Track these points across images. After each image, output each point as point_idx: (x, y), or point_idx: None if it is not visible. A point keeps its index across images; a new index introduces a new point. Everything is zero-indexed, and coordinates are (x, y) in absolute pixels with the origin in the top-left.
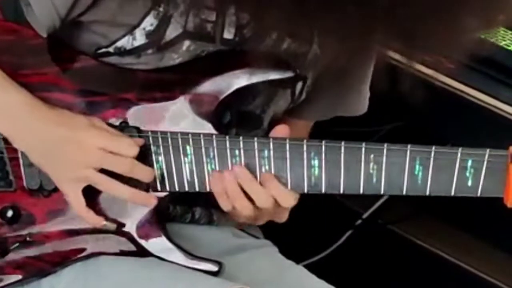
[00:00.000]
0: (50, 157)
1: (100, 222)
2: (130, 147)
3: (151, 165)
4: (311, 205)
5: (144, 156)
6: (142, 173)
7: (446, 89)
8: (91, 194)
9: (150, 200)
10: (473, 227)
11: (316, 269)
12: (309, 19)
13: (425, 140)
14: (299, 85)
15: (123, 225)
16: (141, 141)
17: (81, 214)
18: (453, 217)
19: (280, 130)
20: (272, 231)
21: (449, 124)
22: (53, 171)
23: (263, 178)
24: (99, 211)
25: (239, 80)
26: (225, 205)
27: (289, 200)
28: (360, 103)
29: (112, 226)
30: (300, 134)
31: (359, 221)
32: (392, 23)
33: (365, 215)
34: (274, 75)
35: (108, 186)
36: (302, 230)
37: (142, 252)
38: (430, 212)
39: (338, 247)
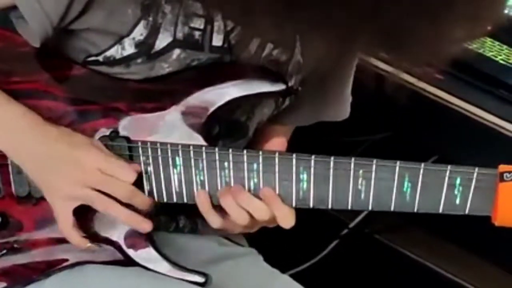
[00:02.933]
0: (45, 172)
1: (84, 244)
2: (128, 172)
3: (140, 176)
4: (298, 214)
5: None
6: (141, 201)
7: (433, 100)
8: (81, 212)
9: (145, 225)
10: (459, 238)
11: (302, 279)
12: (295, 22)
13: (411, 151)
14: None
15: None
16: (138, 167)
17: (66, 234)
18: (439, 228)
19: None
20: (257, 240)
21: (436, 134)
22: (47, 187)
23: (264, 194)
24: (85, 228)
25: (230, 92)
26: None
27: (289, 220)
28: (342, 108)
29: (97, 248)
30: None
31: (346, 231)
32: (378, 28)
33: (351, 225)
34: (266, 88)
35: (105, 207)
36: (288, 239)
37: (129, 262)
38: (416, 222)
39: (324, 256)
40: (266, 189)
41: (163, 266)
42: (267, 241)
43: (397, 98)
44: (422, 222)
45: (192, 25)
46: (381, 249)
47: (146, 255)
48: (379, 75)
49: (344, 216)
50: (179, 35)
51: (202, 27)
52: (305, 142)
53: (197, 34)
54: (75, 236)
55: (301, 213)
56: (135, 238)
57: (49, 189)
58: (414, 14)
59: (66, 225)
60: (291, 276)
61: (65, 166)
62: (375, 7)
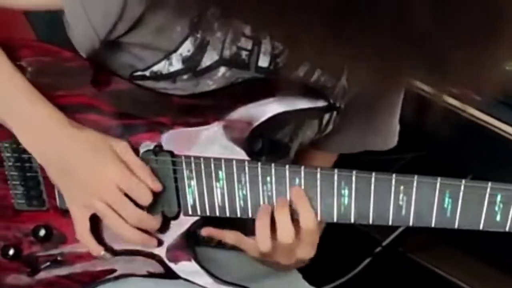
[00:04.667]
0: (66, 176)
1: (99, 251)
2: (145, 195)
3: (184, 189)
4: (331, 231)
5: (176, 181)
6: (149, 225)
7: (471, 120)
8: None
9: (151, 243)
10: (494, 258)
11: None
12: (342, 49)
13: (446, 170)
14: (326, 116)
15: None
16: (159, 187)
17: (82, 240)
18: (474, 247)
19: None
20: None
21: (471, 153)
22: (67, 191)
23: (293, 191)
24: (105, 237)
25: (273, 107)
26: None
27: (309, 221)
28: (389, 137)
29: (109, 257)
30: (325, 166)
31: (379, 249)
32: (423, 53)
33: (384, 243)
34: (308, 104)
35: (115, 226)
36: (321, 256)
37: (171, 275)
38: (451, 241)
39: (356, 274)
40: (295, 186)
41: (205, 279)
42: None
43: (434, 118)
44: (457, 241)
45: (239, 44)
46: (414, 268)
47: (187, 268)
48: (417, 95)
49: (378, 234)
50: (226, 53)
51: (249, 47)
52: (339, 160)
53: (244, 54)
54: (91, 242)
55: (335, 230)
56: (177, 251)
57: (68, 194)
58: (458, 38)
59: (82, 231)
60: None
61: (86, 175)
62: (421, 35)
